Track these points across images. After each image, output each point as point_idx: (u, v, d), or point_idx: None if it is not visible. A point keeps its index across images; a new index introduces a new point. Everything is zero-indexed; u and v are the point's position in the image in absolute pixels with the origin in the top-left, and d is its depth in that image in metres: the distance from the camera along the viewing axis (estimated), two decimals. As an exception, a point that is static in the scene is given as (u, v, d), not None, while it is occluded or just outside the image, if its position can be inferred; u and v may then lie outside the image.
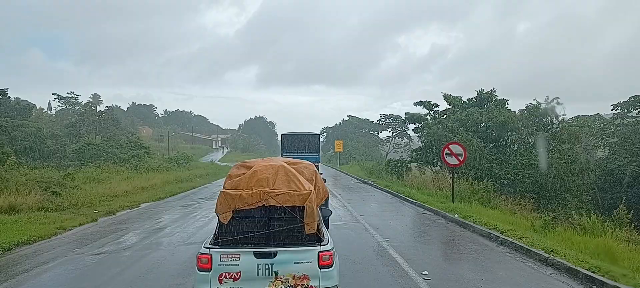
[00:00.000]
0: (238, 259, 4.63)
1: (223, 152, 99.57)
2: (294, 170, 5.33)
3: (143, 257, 9.00)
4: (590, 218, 12.16)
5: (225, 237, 4.89)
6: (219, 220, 4.95)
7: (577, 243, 9.68)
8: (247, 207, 4.85)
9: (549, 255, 8.26)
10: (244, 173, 5.24)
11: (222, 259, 4.63)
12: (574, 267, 7.46)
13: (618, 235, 11.82)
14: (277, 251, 4.70)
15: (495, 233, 10.59)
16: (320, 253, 4.70)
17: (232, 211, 4.86)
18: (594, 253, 8.93)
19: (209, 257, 4.62)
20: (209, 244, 4.83)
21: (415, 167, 32.52)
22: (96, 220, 14.40)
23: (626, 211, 13.08)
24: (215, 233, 5.05)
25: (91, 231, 12.45)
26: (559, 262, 7.88)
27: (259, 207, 4.89)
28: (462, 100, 32.81)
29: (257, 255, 4.68)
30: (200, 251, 4.71)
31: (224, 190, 5.01)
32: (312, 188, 5.17)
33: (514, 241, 9.61)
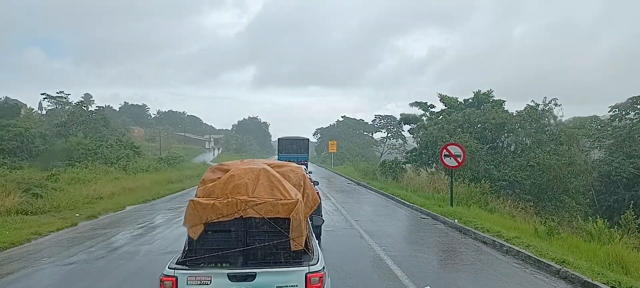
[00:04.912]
0: (209, 282, 3.85)
1: (214, 153, 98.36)
2: (278, 175, 4.53)
3: (116, 268, 8.21)
4: (596, 224, 11.54)
5: (194, 254, 4.11)
6: (187, 234, 4.18)
7: (586, 252, 9.06)
8: (221, 219, 4.06)
9: (560, 267, 7.56)
10: (219, 178, 4.46)
11: (189, 282, 3.84)
12: (590, 281, 6.75)
13: (626, 242, 11.22)
14: (256, 272, 3.91)
15: (500, 241, 9.89)
16: (309, 275, 3.92)
17: (204, 224, 4.07)
18: (605, 262, 8.30)
19: (174, 280, 3.83)
20: (175, 264, 4.05)
21: (411, 168, 31.95)
22: (76, 224, 13.63)
23: (634, 216, 12.41)
24: (183, 251, 4.28)
25: (68, 237, 11.66)
26: (572, 274, 7.18)
27: (235, 218, 4.10)
28: (458, 101, 32.34)
29: (233, 277, 3.89)
30: (164, 272, 3.90)
31: (194, 198, 4.22)
32: (299, 196, 4.38)
33: (520, 250, 8.91)
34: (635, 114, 34.72)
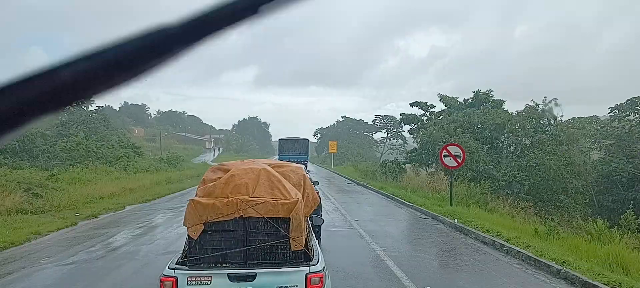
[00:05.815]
0: (209, 282, 3.85)
1: (215, 153, 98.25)
2: (278, 175, 4.54)
3: (116, 268, 8.20)
4: (596, 224, 11.55)
5: (194, 254, 4.12)
6: (187, 234, 4.18)
7: (586, 252, 9.06)
8: (221, 219, 4.06)
9: (561, 267, 7.56)
10: (219, 178, 4.46)
11: (189, 282, 3.83)
12: (591, 281, 6.75)
13: (626, 242, 11.22)
14: (256, 273, 3.91)
15: (500, 241, 9.89)
16: (309, 276, 3.91)
17: (204, 223, 4.08)
18: (605, 262, 8.30)
19: (174, 280, 3.83)
20: (175, 264, 4.05)
21: (410, 168, 31.97)
22: (76, 224, 13.61)
23: (634, 216, 12.41)
24: (183, 251, 4.28)
25: (67, 237, 11.65)
26: (573, 275, 7.18)
27: (235, 218, 4.10)
28: (458, 101, 32.36)
29: (233, 277, 3.89)
30: (164, 272, 3.90)
31: (194, 198, 4.23)
32: (299, 196, 4.38)
33: (521, 250, 8.91)
34: (634, 115, 34.74)
